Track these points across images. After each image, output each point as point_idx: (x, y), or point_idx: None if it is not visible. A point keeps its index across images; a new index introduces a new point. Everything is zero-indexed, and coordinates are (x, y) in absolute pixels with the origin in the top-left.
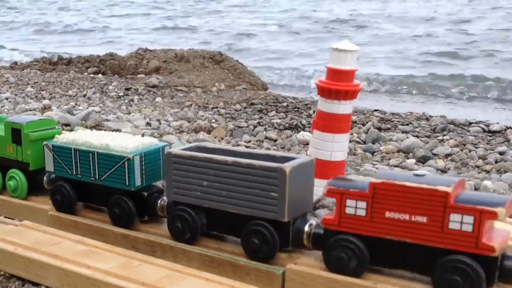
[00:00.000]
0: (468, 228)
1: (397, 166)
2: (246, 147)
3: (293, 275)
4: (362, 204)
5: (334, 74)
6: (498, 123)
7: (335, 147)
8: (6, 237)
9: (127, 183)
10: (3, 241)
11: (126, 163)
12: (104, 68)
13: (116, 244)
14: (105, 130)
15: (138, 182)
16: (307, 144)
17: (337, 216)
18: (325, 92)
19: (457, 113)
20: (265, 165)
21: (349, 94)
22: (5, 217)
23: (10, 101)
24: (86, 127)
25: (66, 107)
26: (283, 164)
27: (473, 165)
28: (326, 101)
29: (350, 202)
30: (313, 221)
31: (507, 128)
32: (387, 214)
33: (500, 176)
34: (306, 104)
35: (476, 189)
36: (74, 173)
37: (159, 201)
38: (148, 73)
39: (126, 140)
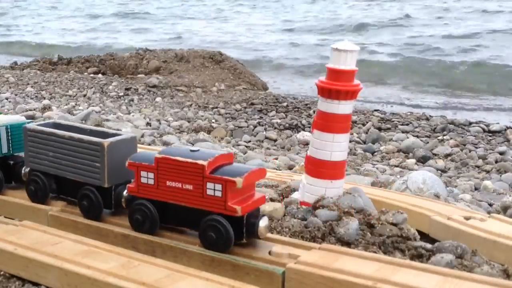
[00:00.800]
0: (219, 194)
1: (397, 166)
2: (246, 147)
3: (293, 275)
4: (151, 175)
5: (334, 74)
6: (498, 123)
7: (335, 147)
8: (6, 237)
9: None
10: (3, 241)
11: None
12: (104, 68)
13: (116, 244)
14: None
15: (4, 150)
16: (307, 144)
17: (136, 184)
18: (325, 92)
19: None
20: (90, 139)
21: (349, 94)
22: (5, 217)
23: (10, 101)
24: None
25: (66, 107)
26: (104, 139)
27: (473, 165)
28: (326, 101)
29: (143, 173)
30: None
31: (507, 128)
32: (168, 183)
33: (500, 176)
34: (306, 104)
35: (476, 189)
36: None
37: (23, 169)
38: (148, 73)
39: None
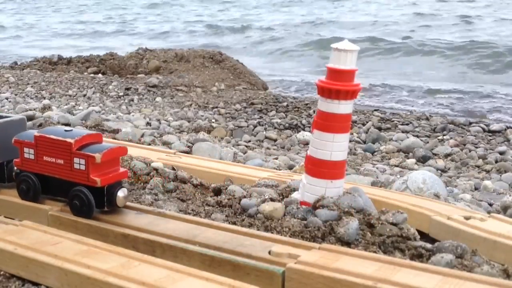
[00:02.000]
0: (83, 167)
1: (397, 166)
2: (246, 146)
3: (293, 275)
4: (32, 151)
5: (334, 74)
6: (498, 123)
7: (335, 147)
8: (6, 237)
9: None
10: (3, 241)
11: None
12: (104, 68)
13: (116, 244)
14: (106, 130)
15: None
16: (307, 144)
17: (21, 159)
18: (325, 91)
19: None
20: None
21: (349, 94)
22: (5, 217)
23: (10, 101)
24: (86, 127)
25: (66, 107)
26: None
27: (473, 165)
28: (326, 100)
29: (26, 149)
30: None
31: (507, 127)
32: (45, 157)
33: (500, 176)
34: (306, 104)
35: (476, 189)
36: None
37: None
38: (148, 73)
39: None
